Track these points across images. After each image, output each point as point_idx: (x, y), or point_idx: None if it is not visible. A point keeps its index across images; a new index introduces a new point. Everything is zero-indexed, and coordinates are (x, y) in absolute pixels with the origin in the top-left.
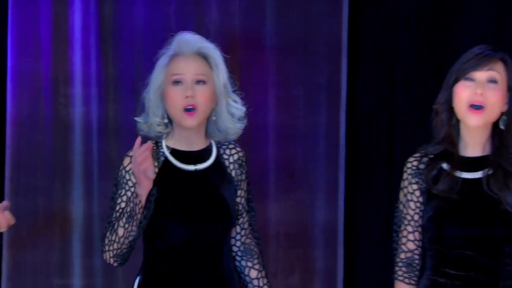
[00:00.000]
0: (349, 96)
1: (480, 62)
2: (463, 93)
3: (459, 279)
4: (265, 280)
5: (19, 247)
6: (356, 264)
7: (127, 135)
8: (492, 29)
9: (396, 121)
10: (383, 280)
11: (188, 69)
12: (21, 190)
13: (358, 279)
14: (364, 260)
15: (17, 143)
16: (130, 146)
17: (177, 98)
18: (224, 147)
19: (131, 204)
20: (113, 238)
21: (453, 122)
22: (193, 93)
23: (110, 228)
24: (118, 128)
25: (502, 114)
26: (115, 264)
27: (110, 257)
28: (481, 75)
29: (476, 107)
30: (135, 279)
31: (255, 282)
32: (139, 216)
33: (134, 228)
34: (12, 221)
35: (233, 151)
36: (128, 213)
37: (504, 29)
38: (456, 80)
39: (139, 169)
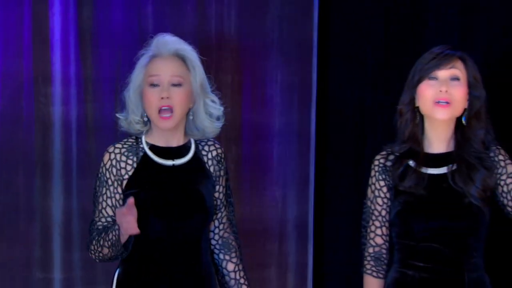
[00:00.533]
0: (320, 95)
1: (442, 61)
2: (428, 92)
3: (427, 271)
4: (241, 273)
5: (1, 241)
6: (326, 258)
7: (106, 133)
8: (458, 28)
9: (365, 119)
10: (352, 274)
11: (165, 71)
12: (2, 186)
13: (328, 273)
14: (334, 254)
15: None
16: (108, 144)
17: (153, 100)
18: (203, 143)
19: (115, 237)
20: (99, 249)
21: (417, 122)
22: (168, 94)
23: (97, 237)
24: (97, 127)
25: (465, 110)
26: (98, 261)
27: (96, 258)
28: (444, 73)
29: (442, 103)
30: (115, 272)
31: (232, 275)
32: (120, 250)
33: (118, 253)
34: None
35: (212, 147)
36: (112, 241)
37: (469, 28)
38: (420, 80)
39: (123, 231)
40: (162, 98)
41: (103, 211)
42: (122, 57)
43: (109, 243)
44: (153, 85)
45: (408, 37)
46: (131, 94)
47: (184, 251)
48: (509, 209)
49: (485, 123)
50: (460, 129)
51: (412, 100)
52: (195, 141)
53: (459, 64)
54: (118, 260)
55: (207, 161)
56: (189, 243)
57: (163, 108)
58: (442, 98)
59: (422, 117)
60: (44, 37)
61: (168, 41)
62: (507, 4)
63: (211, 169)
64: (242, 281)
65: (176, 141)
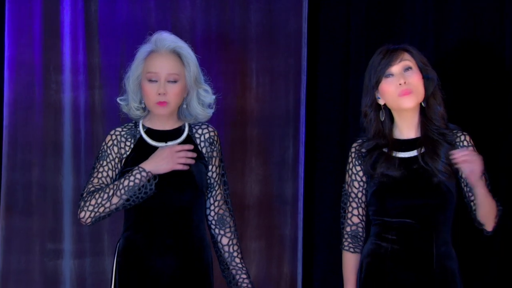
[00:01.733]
0: (309, 82)
1: (391, 57)
2: (390, 89)
3: (399, 244)
4: (235, 247)
5: (16, 215)
6: (315, 231)
7: (111, 117)
8: (433, 19)
9: (349, 105)
10: (338, 248)
11: (162, 68)
12: (17, 165)
13: (316, 245)
14: (322, 228)
15: (14, 123)
16: (113, 127)
17: (151, 94)
18: (197, 127)
19: (134, 182)
20: (103, 202)
21: (382, 119)
22: (164, 90)
23: (100, 192)
24: (103, 111)
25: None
26: (87, 222)
27: (88, 217)
28: (396, 68)
29: (405, 93)
30: (117, 243)
31: (226, 248)
32: (139, 192)
33: (134, 196)
34: None
35: (205, 130)
36: (129, 186)
37: (444, 19)
38: (378, 81)
39: (175, 166)
40: (159, 94)
41: (103, 179)
42: (126, 47)
43: (126, 189)
44: (151, 80)
45: (387, 30)
46: (130, 83)
47: (176, 222)
48: (465, 193)
49: (441, 100)
50: (423, 112)
51: (374, 101)
52: (189, 124)
53: (406, 55)
54: (117, 211)
55: (200, 143)
56: (180, 215)
57: (159, 102)
58: (403, 89)
59: (388, 112)
60: (55, 29)
61: (166, 39)
62: None
63: (204, 150)
64: (235, 254)
65: (170, 124)
